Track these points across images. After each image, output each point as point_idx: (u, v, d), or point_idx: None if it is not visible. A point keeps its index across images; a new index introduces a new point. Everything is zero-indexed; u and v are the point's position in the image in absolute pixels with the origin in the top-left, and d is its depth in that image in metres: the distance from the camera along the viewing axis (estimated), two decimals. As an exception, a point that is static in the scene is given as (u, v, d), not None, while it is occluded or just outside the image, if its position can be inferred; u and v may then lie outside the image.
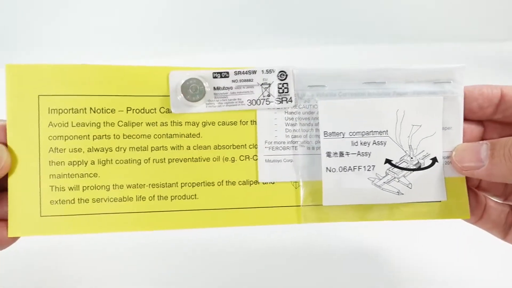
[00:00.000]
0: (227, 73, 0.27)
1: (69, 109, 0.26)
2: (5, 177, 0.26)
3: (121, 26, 0.61)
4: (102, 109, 0.26)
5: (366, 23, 0.63)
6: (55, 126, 0.26)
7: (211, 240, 0.40)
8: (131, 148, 0.26)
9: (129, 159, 0.26)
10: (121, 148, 0.26)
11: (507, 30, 0.63)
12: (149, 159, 0.27)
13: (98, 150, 0.26)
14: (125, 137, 0.26)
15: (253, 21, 0.62)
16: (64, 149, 0.26)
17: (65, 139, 0.26)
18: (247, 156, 0.27)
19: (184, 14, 0.61)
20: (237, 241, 0.40)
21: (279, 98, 0.27)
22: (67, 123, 0.26)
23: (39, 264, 0.38)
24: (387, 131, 0.27)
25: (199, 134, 0.27)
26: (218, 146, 0.27)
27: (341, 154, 0.27)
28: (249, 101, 0.27)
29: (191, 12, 0.61)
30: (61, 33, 0.60)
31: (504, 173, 0.24)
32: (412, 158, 0.27)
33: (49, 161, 0.26)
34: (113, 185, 0.26)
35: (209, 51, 0.60)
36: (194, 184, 0.27)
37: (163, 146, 0.27)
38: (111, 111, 0.26)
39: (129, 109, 0.26)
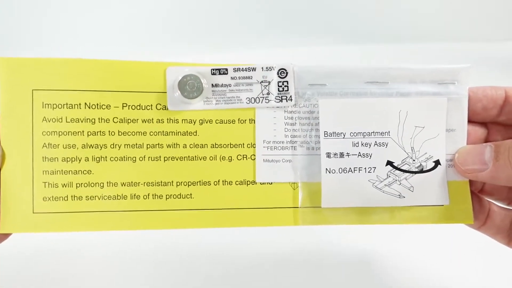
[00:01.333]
0: (226, 69, 0.26)
1: (64, 104, 0.25)
2: (-3, 172, 0.25)
3: (118, 25, 0.61)
4: (97, 104, 0.26)
5: (367, 23, 0.62)
6: (49, 121, 0.25)
7: (205, 246, 0.39)
8: (126, 145, 0.26)
9: (124, 157, 0.26)
10: (116, 145, 0.26)
11: (510, 29, 0.62)
12: (144, 156, 0.26)
13: (92, 147, 0.26)
14: (120, 133, 0.26)
15: (252, 20, 0.62)
16: (58, 145, 0.25)
17: (59, 135, 0.25)
18: (245, 156, 0.27)
19: (181, 14, 0.61)
20: (233, 247, 0.39)
21: (279, 97, 0.27)
22: (61, 118, 0.25)
23: (37, 267, 0.38)
24: (389, 132, 0.26)
25: (195, 132, 0.26)
26: (215, 144, 0.27)
27: (341, 155, 0.26)
28: (248, 99, 0.27)
29: (189, 11, 0.61)
30: (57, 30, 0.59)
31: (509, 175, 0.24)
32: (414, 160, 0.27)
33: (43, 157, 0.25)
34: (107, 182, 0.26)
35: (207, 51, 0.60)
36: (190, 183, 0.26)
37: (159, 144, 0.26)
38: (107, 107, 0.26)
39: (124, 105, 0.26)
